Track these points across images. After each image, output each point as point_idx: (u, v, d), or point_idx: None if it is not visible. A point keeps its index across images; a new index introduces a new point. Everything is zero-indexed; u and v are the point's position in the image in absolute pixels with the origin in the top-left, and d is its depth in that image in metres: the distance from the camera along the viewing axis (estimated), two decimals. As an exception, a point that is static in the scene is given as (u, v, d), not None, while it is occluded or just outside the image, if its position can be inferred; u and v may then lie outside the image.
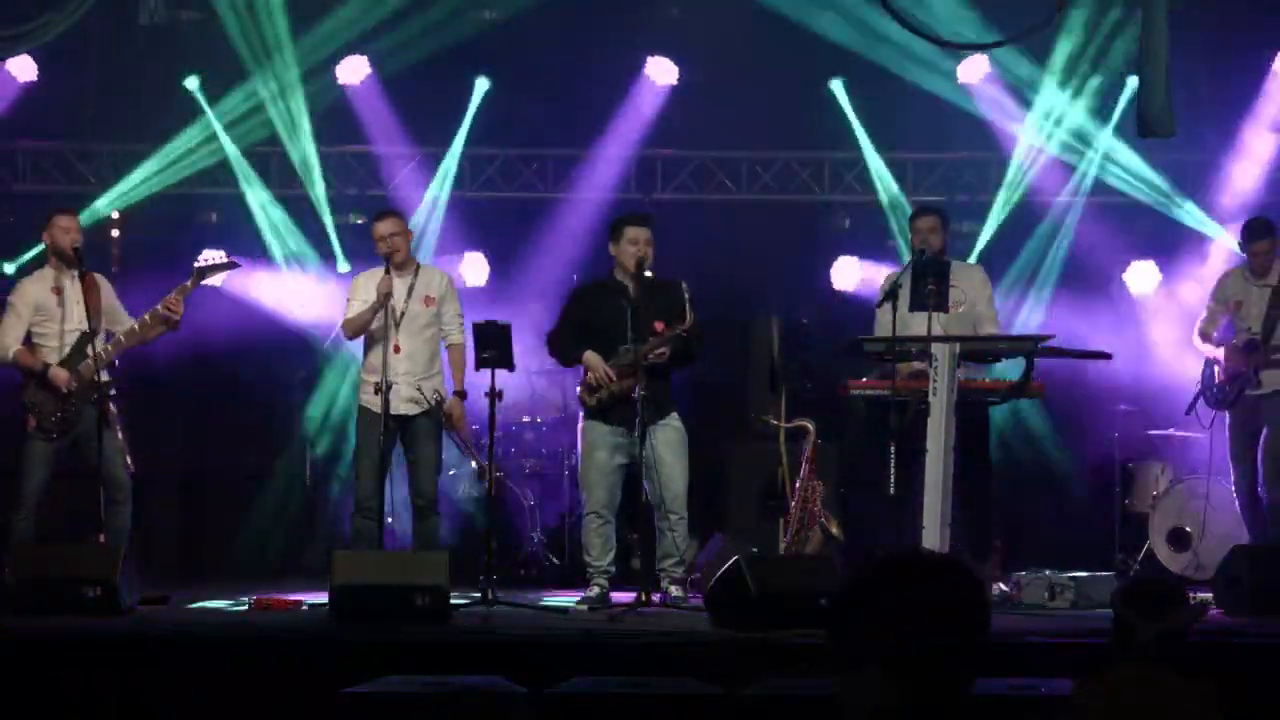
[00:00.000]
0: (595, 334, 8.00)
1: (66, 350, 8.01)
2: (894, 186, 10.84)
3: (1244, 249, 8.81)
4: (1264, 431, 8.50)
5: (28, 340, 8.05)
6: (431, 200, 10.74)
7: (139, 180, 10.51)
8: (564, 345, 8.14)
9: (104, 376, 8.00)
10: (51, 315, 8.05)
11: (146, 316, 8.06)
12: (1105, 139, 10.61)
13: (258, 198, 10.67)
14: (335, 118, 10.64)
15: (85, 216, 10.04)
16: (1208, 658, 6.07)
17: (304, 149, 10.52)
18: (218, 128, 10.46)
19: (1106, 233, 10.80)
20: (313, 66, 10.44)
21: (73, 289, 8.06)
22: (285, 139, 10.49)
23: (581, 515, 8.44)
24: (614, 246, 8.06)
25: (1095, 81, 10.48)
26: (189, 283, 8.13)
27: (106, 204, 10.46)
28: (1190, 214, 10.62)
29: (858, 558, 8.50)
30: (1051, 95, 10.51)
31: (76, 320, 8.02)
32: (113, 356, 8.05)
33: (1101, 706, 3.96)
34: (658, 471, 7.85)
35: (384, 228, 8.14)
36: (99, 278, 8.22)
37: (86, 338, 7.96)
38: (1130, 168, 10.66)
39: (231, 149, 10.54)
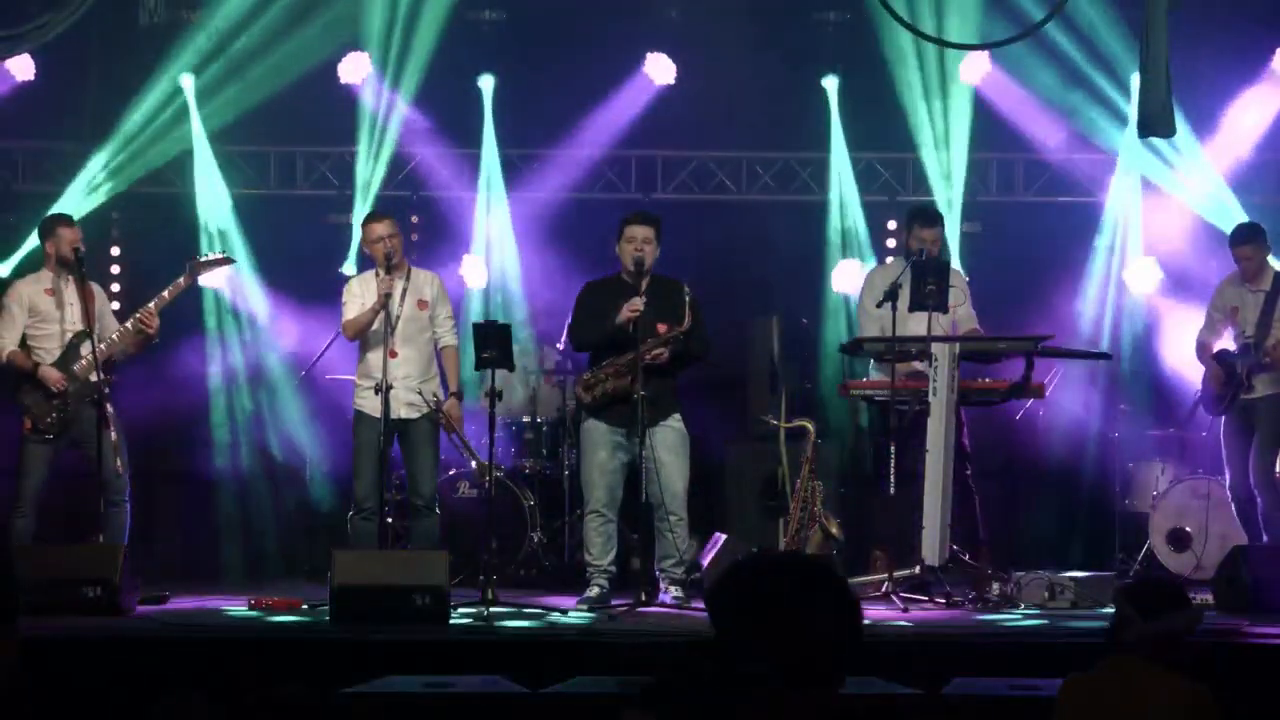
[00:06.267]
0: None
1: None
2: (852, 189, 10.82)
3: (1232, 252, 8.85)
4: (1255, 434, 8.54)
5: (22, 344, 8.08)
6: (484, 202, 10.71)
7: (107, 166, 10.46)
8: (586, 332, 8.10)
9: (98, 377, 8.04)
10: (49, 317, 8.10)
11: (128, 324, 8.10)
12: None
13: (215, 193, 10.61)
14: (336, 117, 10.62)
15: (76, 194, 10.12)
16: (1207, 658, 6.08)
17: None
18: (196, 119, 10.42)
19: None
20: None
21: (70, 292, 8.13)
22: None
23: (581, 515, 8.44)
24: (617, 245, 8.07)
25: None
26: (183, 280, 8.20)
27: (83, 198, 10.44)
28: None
29: (861, 558, 8.52)
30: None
31: (72, 321, 8.08)
32: (101, 360, 8.06)
33: (1087, 704, 3.96)
34: (658, 472, 7.85)
35: (381, 229, 8.12)
36: (95, 287, 8.28)
37: (82, 336, 8.04)
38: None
39: (202, 141, 10.48)
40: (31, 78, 10.21)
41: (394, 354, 8.00)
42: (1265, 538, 8.45)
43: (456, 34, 10.43)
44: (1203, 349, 8.89)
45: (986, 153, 10.77)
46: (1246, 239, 8.72)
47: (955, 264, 9.38)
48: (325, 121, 10.61)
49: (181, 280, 8.21)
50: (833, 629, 2.64)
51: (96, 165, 10.31)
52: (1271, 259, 8.91)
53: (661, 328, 7.85)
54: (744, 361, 9.80)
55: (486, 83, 10.63)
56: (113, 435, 7.94)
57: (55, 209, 9.53)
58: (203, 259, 8.42)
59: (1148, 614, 3.97)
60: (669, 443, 7.94)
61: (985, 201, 10.79)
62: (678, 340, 7.85)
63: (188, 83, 10.31)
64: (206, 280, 10.14)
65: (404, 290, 8.16)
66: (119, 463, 8.01)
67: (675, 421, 8.00)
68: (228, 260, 8.74)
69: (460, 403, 8.34)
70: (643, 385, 7.66)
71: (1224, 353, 8.71)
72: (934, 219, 8.57)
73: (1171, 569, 9.31)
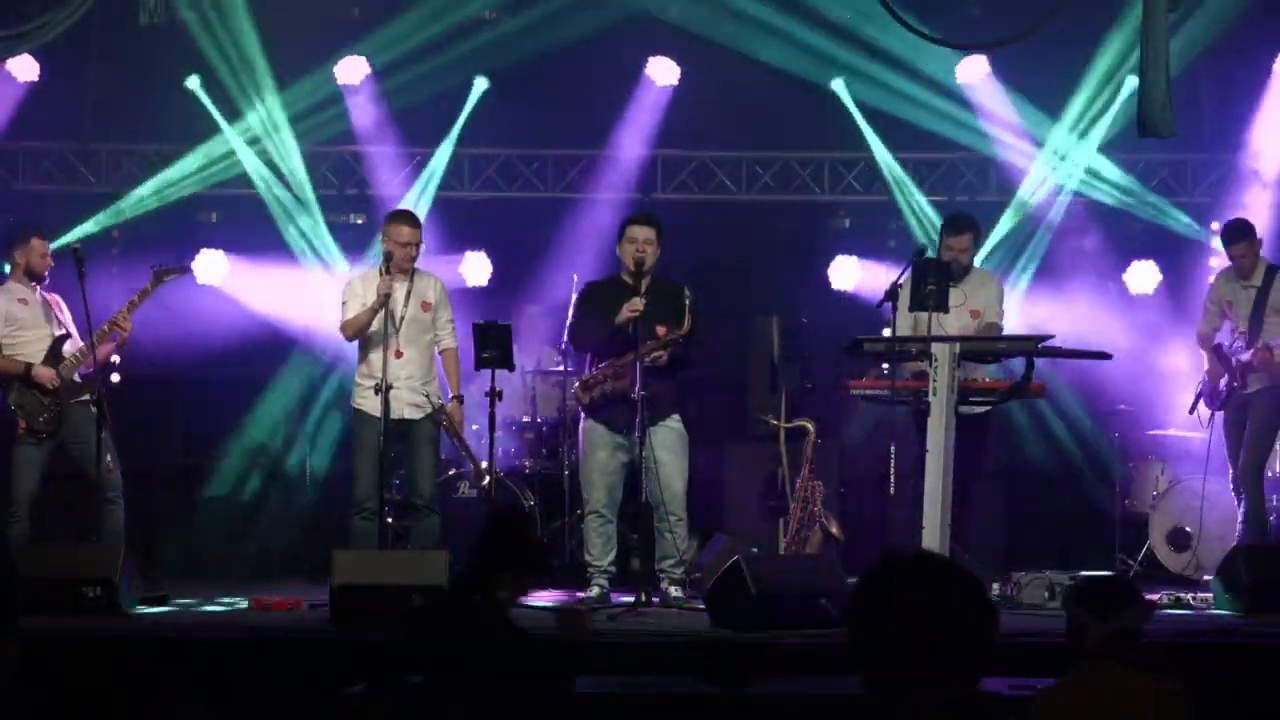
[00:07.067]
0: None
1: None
2: (910, 186, 10.83)
3: (1225, 251, 8.87)
4: (1247, 429, 8.58)
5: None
6: (414, 200, 10.68)
7: (149, 192, 10.56)
8: (585, 332, 8.12)
9: (77, 378, 8.15)
10: (29, 324, 8.23)
11: (104, 326, 8.17)
12: (1084, 153, 10.65)
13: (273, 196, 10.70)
14: (335, 117, 10.63)
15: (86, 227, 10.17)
16: (1208, 658, 6.08)
17: (289, 153, 10.56)
18: (237, 143, 10.50)
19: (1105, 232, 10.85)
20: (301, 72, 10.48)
21: (40, 299, 8.27)
22: (272, 148, 10.54)
23: (582, 515, 8.44)
24: (618, 246, 8.08)
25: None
26: (149, 285, 8.33)
27: (113, 212, 10.49)
28: (1176, 219, 10.68)
29: (861, 557, 8.51)
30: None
31: (51, 326, 8.22)
32: (74, 370, 8.14)
33: (1065, 707, 3.93)
34: (657, 472, 7.85)
35: (410, 234, 8.12)
36: (57, 298, 8.38)
37: (61, 340, 8.19)
38: (1111, 178, 10.72)
39: (254, 163, 10.56)
40: (35, 78, 10.24)
41: (399, 354, 8.01)
42: (1245, 538, 8.44)
43: (456, 33, 10.44)
44: (1203, 340, 8.92)
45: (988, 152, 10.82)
46: (1239, 237, 8.75)
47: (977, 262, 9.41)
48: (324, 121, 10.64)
49: (148, 286, 8.33)
50: (965, 628, 2.67)
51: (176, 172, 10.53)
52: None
53: (661, 330, 7.85)
54: (744, 361, 9.80)
55: (480, 83, 10.66)
56: (101, 432, 7.99)
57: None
58: (163, 268, 8.52)
59: (1101, 615, 3.94)
60: (668, 443, 7.94)
61: (986, 200, 10.81)
62: (676, 343, 7.85)
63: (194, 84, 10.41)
64: (204, 278, 10.17)
65: (408, 291, 8.15)
66: (109, 459, 8.06)
67: (674, 422, 8.01)
68: (186, 270, 9.01)
69: (461, 405, 8.34)
70: (642, 386, 7.67)
71: (1220, 346, 8.76)
72: (961, 227, 8.53)
73: (1171, 569, 9.32)
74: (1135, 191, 10.76)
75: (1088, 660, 3.95)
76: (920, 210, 10.78)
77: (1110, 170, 10.72)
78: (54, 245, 8.71)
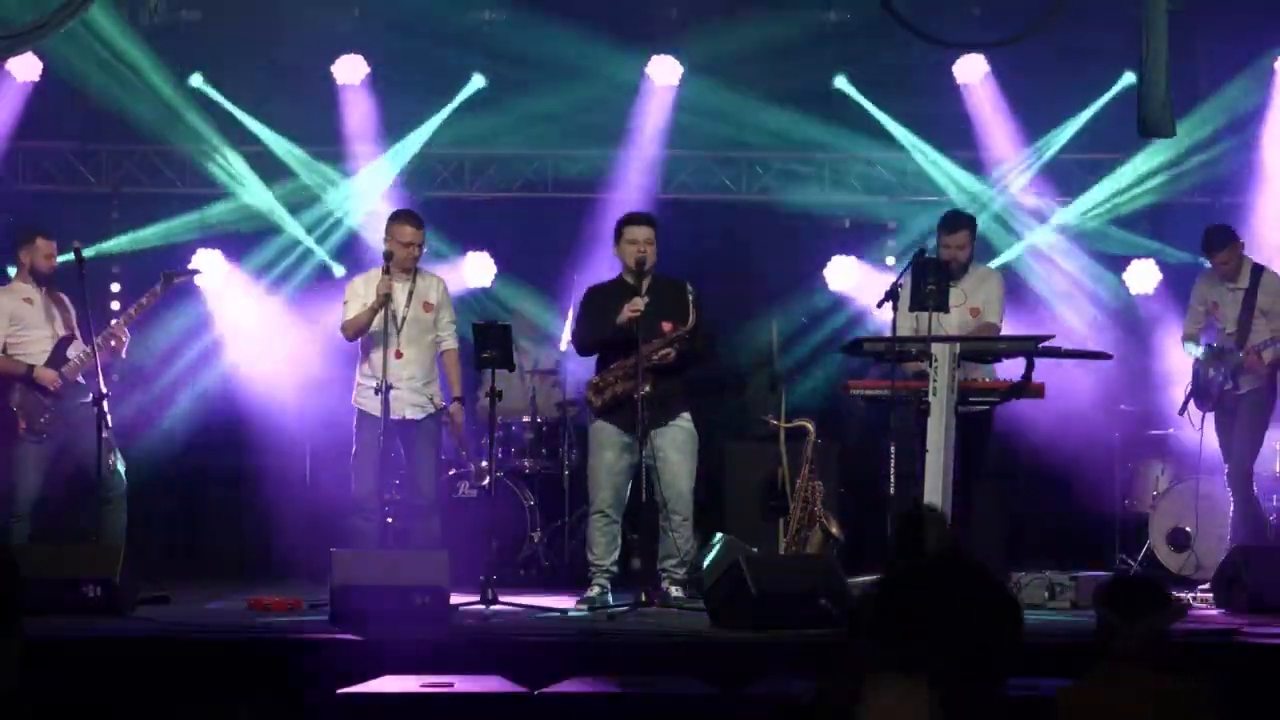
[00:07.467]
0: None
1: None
2: (944, 161, 10.81)
3: (1207, 258, 8.85)
4: (1236, 430, 8.59)
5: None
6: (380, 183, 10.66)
7: (161, 231, 10.60)
8: (588, 334, 8.11)
9: (80, 379, 8.18)
10: (33, 324, 8.26)
11: (106, 333, 8.17)
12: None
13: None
14: (332, 117, 10.63)
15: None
16: (1207, 657, 6.08)
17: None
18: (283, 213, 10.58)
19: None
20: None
21: (45, 300, 8.28)
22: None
23: (581, 515, 8.45)
24: (616, 247, 8.07)
25: None
26: (158, 288, 8.36)
27: (124, 242, 10.53)
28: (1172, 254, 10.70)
29: (861, 558, 8.51)
30: None
31: (55, 327, 8.24)
32: (78, 372, 8.16)
33: (1089, 709, 3.93)
34: (662, 470, 7.85)
35: (412, 234, 8.13)
36: (64, 297, 8.38)
37: (65, 342, 8.22)
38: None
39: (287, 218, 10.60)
40: (37, 78, 10.23)
41: (399, 354, 8.01)
42: (1236, 538, 8.44)
43: (455, 34, 10.44)
44: (1188, 341, 8.92)
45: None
46: (1220, 246, 8.73)
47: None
48: (322, 121, 10.63)
49: (158, 288, 8.37)
50: (990, 630, 2.67)
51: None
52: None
53: (667, 326, 7.84)
54: (744, 361, 9.80)
55: (477, 80, 10.64)
56: (104, 433, 8.00)
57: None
58: (173, 270, 8.55)
59: (1131, 617, 3.93)
60: (677, 442, 7.94)
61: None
62: (683, 339, 7.85)
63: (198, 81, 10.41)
64: (202, 281, 10.17)
65: (410, 291, 8.16)
66: (112, 459, 8.06)
67: (684, 421, 8.00)
68: (195, 273, 9.15)
69: (463, 406, 8.34)
70: (651, 385, 7.66)
71: (1210, 347, 8.77)
72: (957, 224, 8.51)
73: (1172, 569, 9.32)
74: (1141, 244, 10.74)
75: (1114, 661, 3.94)
76: (957, 181, 10.73)
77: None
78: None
